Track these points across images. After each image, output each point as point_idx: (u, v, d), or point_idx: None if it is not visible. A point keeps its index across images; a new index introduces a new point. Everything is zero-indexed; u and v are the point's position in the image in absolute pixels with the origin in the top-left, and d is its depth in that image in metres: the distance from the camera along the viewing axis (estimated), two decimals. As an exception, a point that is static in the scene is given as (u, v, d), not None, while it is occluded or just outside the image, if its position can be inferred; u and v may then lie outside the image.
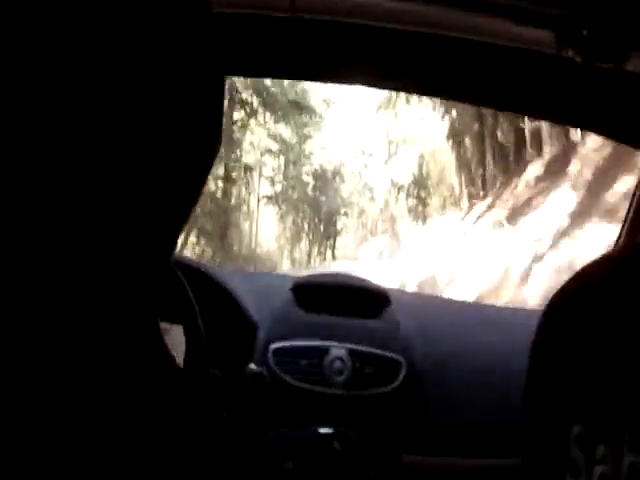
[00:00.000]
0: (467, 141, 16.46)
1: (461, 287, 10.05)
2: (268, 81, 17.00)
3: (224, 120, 0.49)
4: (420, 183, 19.92)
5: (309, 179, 24.11)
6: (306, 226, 25.21)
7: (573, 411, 0.55)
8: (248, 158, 20.52)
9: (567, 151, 10.54)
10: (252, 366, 1.44)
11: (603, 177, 8.52)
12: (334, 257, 23.93)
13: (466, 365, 1.60)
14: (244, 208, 21.52)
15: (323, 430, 1.46)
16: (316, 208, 24.87)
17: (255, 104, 19.18)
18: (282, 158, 22.10)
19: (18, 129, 0.37)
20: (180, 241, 0.49)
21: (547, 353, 0.61)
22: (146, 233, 0.43)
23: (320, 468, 1.44)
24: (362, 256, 20.88)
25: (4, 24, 0.36)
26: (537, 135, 11.97)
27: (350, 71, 1.22)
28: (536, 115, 1.46)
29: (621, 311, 0.52)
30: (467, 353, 1.62)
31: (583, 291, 0.59)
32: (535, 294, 7.82)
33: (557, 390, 0.58)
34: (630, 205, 1.46)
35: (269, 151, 21.27)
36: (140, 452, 0.41)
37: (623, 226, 1.48)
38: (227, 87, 0.50)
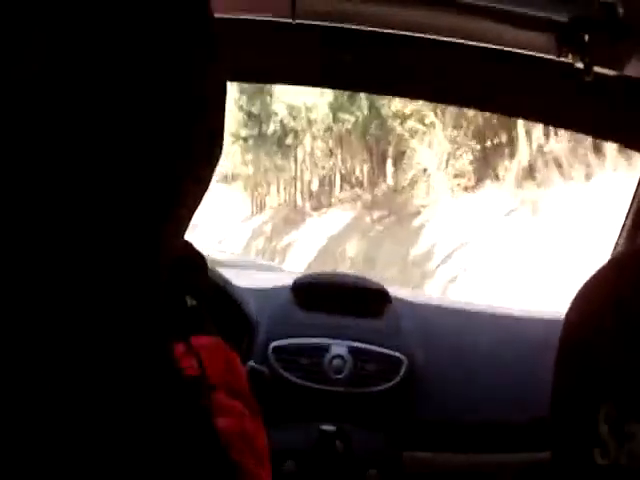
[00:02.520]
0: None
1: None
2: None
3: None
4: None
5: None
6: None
7: (602, 390, 0.56)
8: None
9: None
10: (252, 363, 1.45)
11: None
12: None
13: (466, 363, 1.61)
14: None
15: (324, 428, 1.46)
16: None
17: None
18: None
19: (12, 127, 0.37)
20: None
21: (576, 335, 0.62)
22: (147, 234, 0.43)
23: (321, 467, 1.45)
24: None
25: (3, 23, 0.36)
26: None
27: (350, 77, 1.22)
28: (536, 119, 1.45)
29: None
30: (467, 351, 1.63)
31: (616, 277, 0.60)
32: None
33: (586, 370, 0.59)
34: (630, 206, 1.47)
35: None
36: (140, 455, 0.42)
37: (622, 227, 1.49)
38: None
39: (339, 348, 1.55)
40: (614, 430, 0.54)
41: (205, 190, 0.48)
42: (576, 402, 0.59)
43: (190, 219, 0.48)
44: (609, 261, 0.63)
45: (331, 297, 1.66)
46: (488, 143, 9.24)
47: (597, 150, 8.03)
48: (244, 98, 11.08)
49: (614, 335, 0.56)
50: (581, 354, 0.60)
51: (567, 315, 0.64)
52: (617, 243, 1.53)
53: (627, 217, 1.47)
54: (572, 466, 0.60)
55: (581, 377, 0.60)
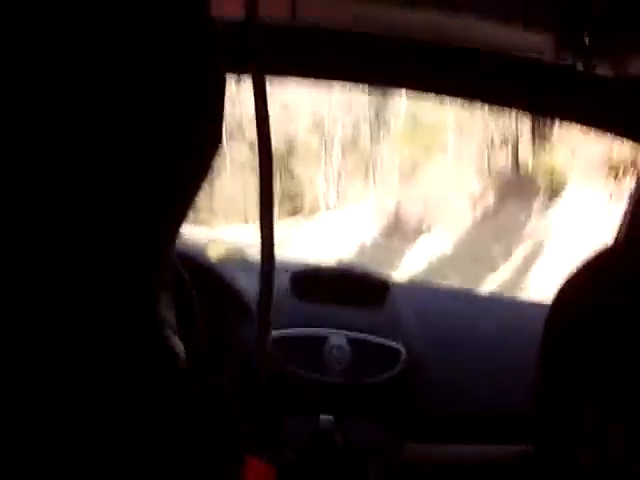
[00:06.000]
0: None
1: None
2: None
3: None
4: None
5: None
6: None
7: (586, 388, 0.56)
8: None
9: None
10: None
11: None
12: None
13: (466, 353, 1.61)
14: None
15: (323, 419, 1.47)
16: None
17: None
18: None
19: (13, 130, 0.37)
20: None
21: (560, 334, 0.62)
22: (145, 228, 0.43)
23: (320, 458, 1.46)
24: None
25: (2, 24, 0.36)
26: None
27: (350, 78, 1.21)
28: (536, 118, 1.44)
29: (633, 292, 0.53)
30: (467, 341, 1.64)
31: (595, 276, 0.60)
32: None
33: (570, 369, 0.59)
34: (630, 199, 1.45)
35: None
36: (138, 451, 0.42)
37: (622, 220, 1.48)
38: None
39: (338, 338, 1.55)
40: (598, 429, 0.54)
41: (199, 186, 0.48)
42: (560, 399, 0.59)
43: (186, 214, 0.48)
44: (589, 258, 0.62)
45: (330, 288, 1.66)
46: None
47: None
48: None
49: (596, 334, 0.56)
50: (565, 349, 0.60)
51: (550, 311, 0.63)
52: (617, 236, 1.52)
53: (626, 217, 1.46)
54: (556, 463, 0.60)
55: (565, 372, 0.59)
